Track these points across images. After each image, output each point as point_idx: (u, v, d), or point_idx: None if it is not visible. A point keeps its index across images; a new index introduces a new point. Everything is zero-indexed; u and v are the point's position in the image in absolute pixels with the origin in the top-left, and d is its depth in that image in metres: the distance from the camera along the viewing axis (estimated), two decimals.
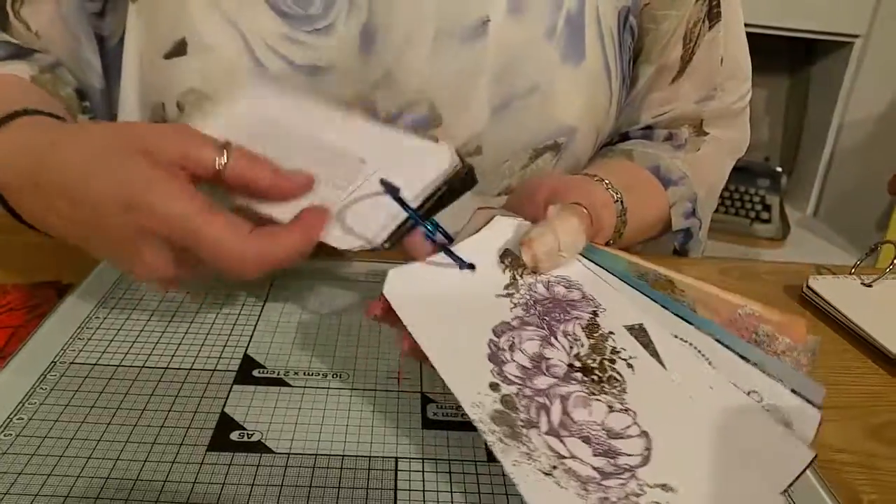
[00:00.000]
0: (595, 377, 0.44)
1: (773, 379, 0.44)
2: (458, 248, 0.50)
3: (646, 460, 0.40)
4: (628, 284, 0.50)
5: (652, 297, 0.49)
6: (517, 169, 0.73)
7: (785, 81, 2.42)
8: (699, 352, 0.45)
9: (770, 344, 0.46)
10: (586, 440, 0.41)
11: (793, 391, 0.43)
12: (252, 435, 0.46)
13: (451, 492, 0.43)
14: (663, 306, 0.48)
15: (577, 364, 0.45)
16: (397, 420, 0.48)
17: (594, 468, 0.39)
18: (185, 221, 0.45)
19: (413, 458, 0.45)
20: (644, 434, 0.42)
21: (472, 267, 0.49)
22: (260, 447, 0.45)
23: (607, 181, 0.69)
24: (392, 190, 0.49)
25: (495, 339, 0.46)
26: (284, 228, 0.48)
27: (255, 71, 0.65)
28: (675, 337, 0.46)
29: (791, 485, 0.40)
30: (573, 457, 0.40)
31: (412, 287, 0.47)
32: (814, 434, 0.42)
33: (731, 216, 2.24)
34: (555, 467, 0.39)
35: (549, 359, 0.45)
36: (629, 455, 0.40)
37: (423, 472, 0.44)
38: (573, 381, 0.44)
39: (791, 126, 2.42)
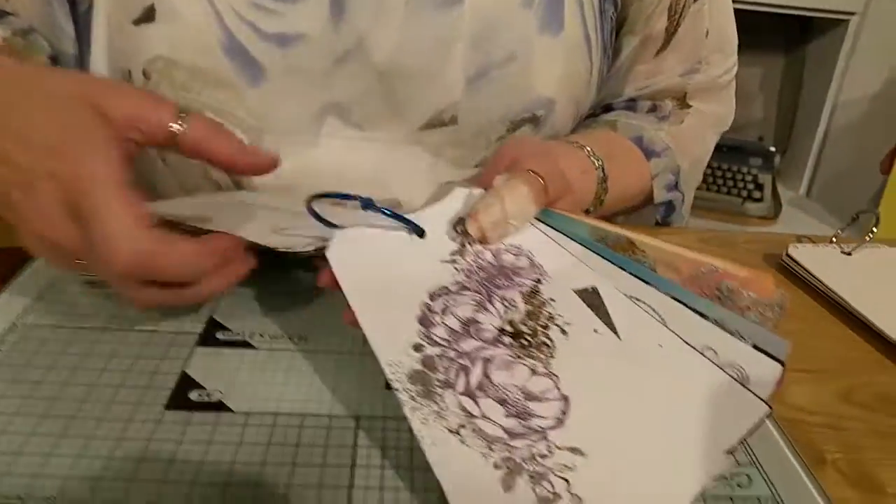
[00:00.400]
0: (524, 342, 0.44)
1: (732, 335, 0.43)
2: (411, 217, 0.49)
3: (560, 423, 0.40)
4: (587, 248, 0.49)
5: (610, 259, 0.48)
6: (494, 140, 0.73)
7: (780, 60, 2.40)
8: (655, 312, 0.45)
9: (734, 299, 0.45)
10: (502, 402, 0.40)
11: (754, 346, 0.43)
12: (212, 395, 0.45)
13: (412, 448, 0.42)
14: (621, 268, 0.47)
15: (509, 329, 0.44)
16: (360, 381, 0.48)
17: (503, 428, 0.39)
18: (92, 187, 0.42)
19: (374, 417, 0.45)
20: (564, 398, 0.41)
21: (421, 233, 0.49)
22: (219, 406, 0.44)
23: (589, 148, 0.68)
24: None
25: (430, 302, 0.45)
26: (186, 240, 0.44)
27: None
28: (631, 298, 0.46)
29: (742, 440, 0.39)
30: (484, 417, 0.39)
31: (357, 251, 0.47)
32: (773, 388, 0.41)
33: (723, 195, 2.23)
34: (462, 426, 0.39)
35: (480, 323, 0.44)
36: (542, 417, 0.40)
37: (383, 430, 0.44)
38: (500, 345, 0.43)
39: (785, 105, 2.41)
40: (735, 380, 0.41)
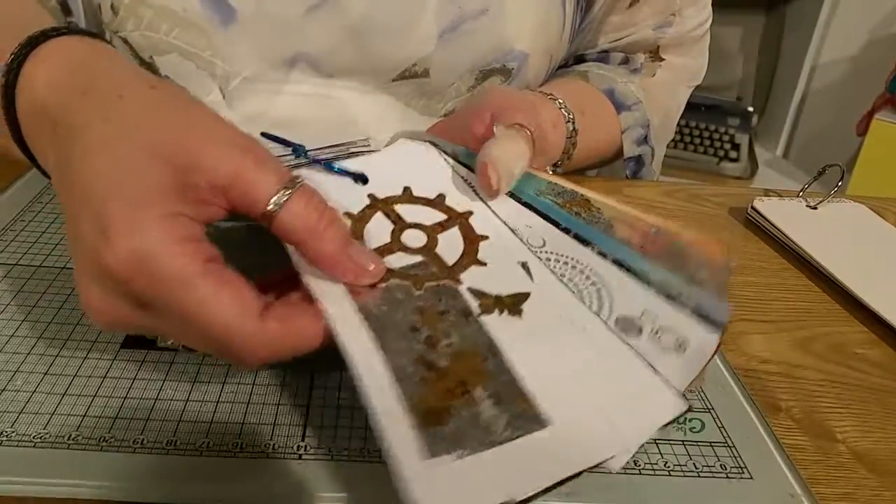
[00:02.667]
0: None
1: (671, 302, 0.42)
2: (351, 162, 0.48)
3: None
4: (531, 208, 0.48)
5: (553, 219, 0.47)
6: (464, 90, 0.72)
7: (760, 20, 2.40)
8: (587, 278, 0.44)
9: (685, 258, 0.45)
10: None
11: (695, 311, 0.41)
12: None
13: None
14: (567, 229, 0.46)
15: None
16: None
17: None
18: (176, 288, 0.33)
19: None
20: None
21: (363, 180, 0.47)
22: (176, 346, 0.44)
23: (561, 100, 0.67)
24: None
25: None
26: (301, 310, 0.36)
27: None
28: (570, 260, 0.45)
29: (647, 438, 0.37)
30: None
31: None
32: (708, 359, 0.40)
33: (700, 154, 2.24)
34: None
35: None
36: None
37: (339, 372, 0.44)
38: None
39: (764, 65, 2.41)
40: (656, 374, 0.39)
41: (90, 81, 0.38)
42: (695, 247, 0.45)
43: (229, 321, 0.33)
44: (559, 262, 0.44)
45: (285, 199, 0.35)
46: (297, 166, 0.47)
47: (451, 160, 0.51)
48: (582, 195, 0.49)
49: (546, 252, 0.45)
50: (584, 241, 0.46)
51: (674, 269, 0.44)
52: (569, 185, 0.50)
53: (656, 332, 0.41)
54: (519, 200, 0.48)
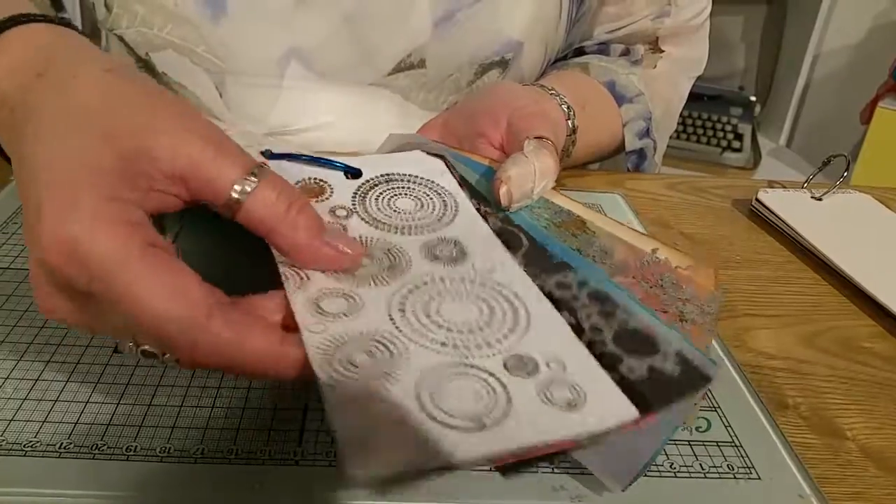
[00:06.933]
0: None
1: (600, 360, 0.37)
2: (351, 160, 0.47)
3: None
4: (524, 231, 0.45)
5: (541, 245, 0.44)
6: (464, 84, 0.71)
7: (762, 8, 2.38)
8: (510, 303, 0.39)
9: (675, 292, 0.44)
10: None
11: (678, 353, 0.38)
12: None
13: None
14: (534, 274, 0.42)
15: None
16: None
17: None
18: (106, 270, 0.31)
19: None
20: None
21: (356, 173, 0.46)
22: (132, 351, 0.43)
23: (562, 96, 0.66)
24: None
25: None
26: (264, 327, 0.34)
27: None
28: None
29: None
30: None
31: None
32: (610, 427, 0.33)
33: (703, 145, 2.22)
34: None
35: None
36: None
37: None
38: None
39: (766, 54, 2.39)
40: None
41: (47, 63, 0.37)
42: (685, 282, 0.44)
43: (157, 305, 0.31)
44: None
45: (250, 187, 0.34)
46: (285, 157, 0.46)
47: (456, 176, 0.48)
48: (578, 216, 0.48)
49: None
50: (567, 267, 0.43)
51: (663, 302, 0.42)
52: (565, 205, 0.48)
53: (549, 384, 0.35)
54: (511, 223, 0.46)
